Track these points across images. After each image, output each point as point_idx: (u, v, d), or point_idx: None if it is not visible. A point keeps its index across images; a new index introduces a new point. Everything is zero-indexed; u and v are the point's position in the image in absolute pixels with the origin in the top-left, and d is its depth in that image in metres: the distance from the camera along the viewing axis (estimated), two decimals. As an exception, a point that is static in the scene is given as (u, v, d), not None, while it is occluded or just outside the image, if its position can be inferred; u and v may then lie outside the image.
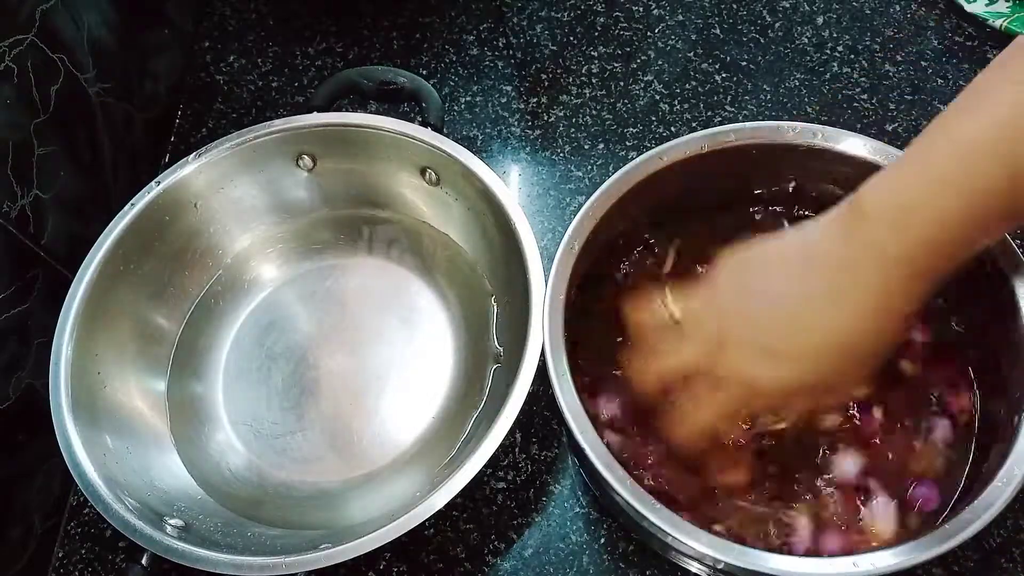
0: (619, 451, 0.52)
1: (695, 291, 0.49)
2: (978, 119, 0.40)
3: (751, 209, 0.59)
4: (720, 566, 0.45)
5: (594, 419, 0.48)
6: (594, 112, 0.75)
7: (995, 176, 0.38)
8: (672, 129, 0.73)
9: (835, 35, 0.77)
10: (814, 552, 0.48)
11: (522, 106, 0.76)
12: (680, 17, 0.80)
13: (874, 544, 0.48)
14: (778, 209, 0.59)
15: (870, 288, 0.42)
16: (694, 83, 0.76)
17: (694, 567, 0.51)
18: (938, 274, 0.42)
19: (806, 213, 0.59)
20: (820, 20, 0.79)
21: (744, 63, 0.76)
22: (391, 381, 0.63)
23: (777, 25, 0.79)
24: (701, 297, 0.48)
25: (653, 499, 0.45)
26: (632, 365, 0.52)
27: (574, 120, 0.75)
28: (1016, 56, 0.40)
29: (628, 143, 0.73)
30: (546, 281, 0.52)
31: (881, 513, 0.49)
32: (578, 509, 0.58)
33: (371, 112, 0.73)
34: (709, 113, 0.74)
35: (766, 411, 0.48)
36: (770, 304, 0.45)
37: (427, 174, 0.65)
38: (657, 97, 0.75)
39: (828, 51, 0.77)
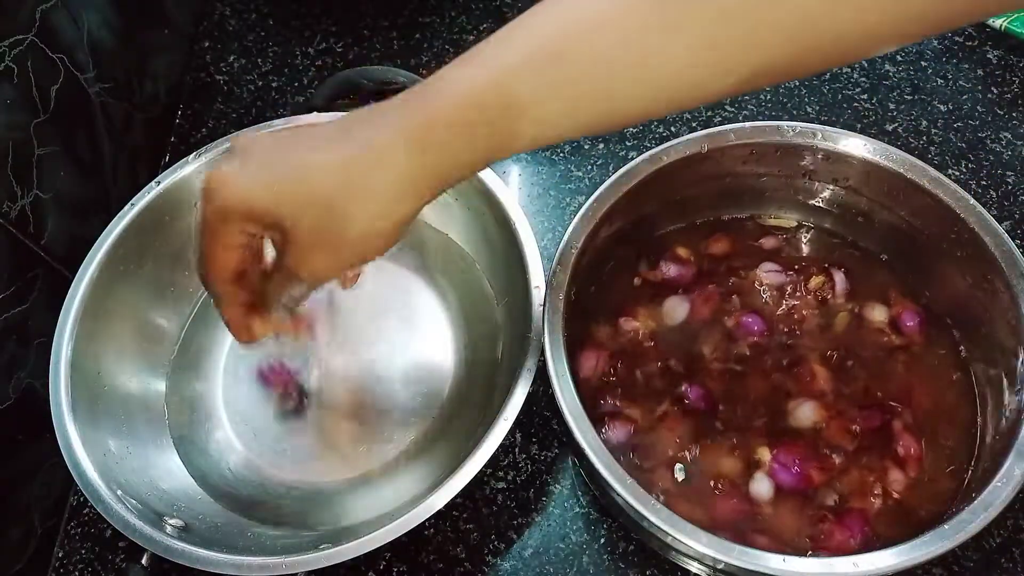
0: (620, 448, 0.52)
1: None
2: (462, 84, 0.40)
3: (751, 209, 0.60)
4: (720, 566, 0.45)
5: (593, 416, 0.48)
6: (594, 112, 0.75)
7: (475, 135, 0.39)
8: (672, 129, 0.73)
9: (835, 35, 0.77)
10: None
11: (522, 106, 0.76)
12: (680, 17, 0.80)
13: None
14: (777, 210, 0.59)
15: (400, 174, 0.40)
16: (694, 83, 0.76)
17: (694, 567, 0.51)
18: (439, 185, 0.41)
19: (804, 215, 0.59)
20: (820, 20, 0.78)
21: (744, 63, 0.76)
22: (391, 381, 0.63)
23: (777, 25, 0.79)
24: None
25: (653, 499, 0.45)
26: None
27: (574, 120, 0.75)
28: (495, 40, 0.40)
29: (628, 143, 0.73)
30: (546, 281, 0.52)
31: None
32: (578, 509, 0.58)
33: (371, 112, 0.72)
34: (709, 113, 0.74)
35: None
36: (288, 145, 0.42)
37: (427, 174, 0.64)
38: (657, 97, 0.75)
39: (828, 51, 0.76)
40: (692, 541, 0.43)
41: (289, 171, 0.40)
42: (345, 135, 0.41)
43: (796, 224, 0.60)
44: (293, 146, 0.41)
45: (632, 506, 0.44)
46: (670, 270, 0.58)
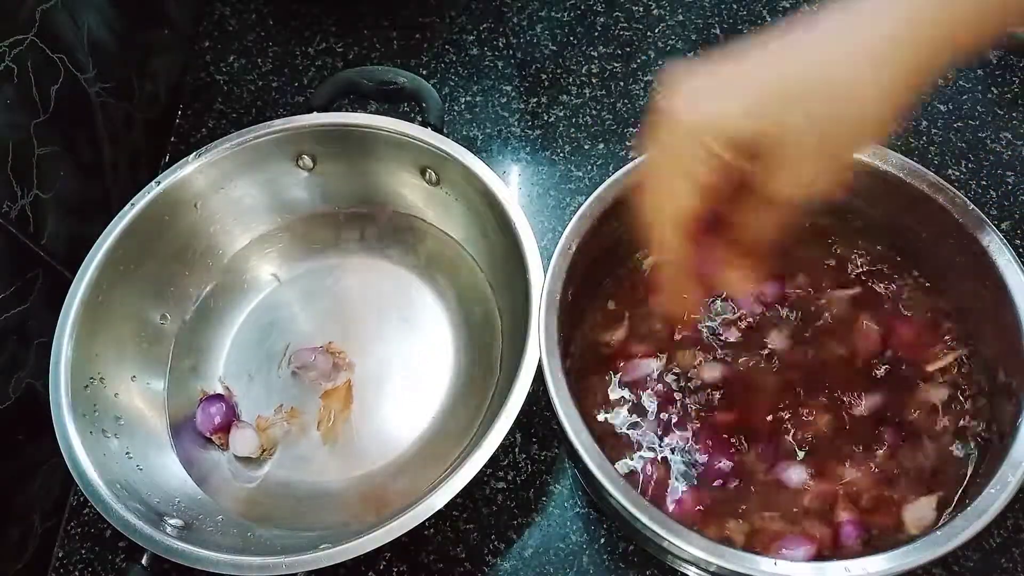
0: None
1: None
2: None
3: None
4: (712, 569, 0.45)
5: (587, 419, 0.48)
6: (594, 112, 0.75)
7: None
8: (672, 129, 0.73)
9: (835, 35, 0.77)
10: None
11: (522, 106, 0.76)
12: (680, 17, 0.80)
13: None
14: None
15: (913, 56, 0.37)
16: (694, 83, 0.76)
17: (692, 572, 0.50)
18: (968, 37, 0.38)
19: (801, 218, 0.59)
20: (820, 20, 0.78)
21: (744, 63, 0.76)
22: (391, 381, 0.63)
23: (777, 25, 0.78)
24: None
25: (646, 502, 0.45)
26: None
27: (574, 120, 0.75)
28: None
29: (628, 143, 0.73)
30: (544, 281, 0.52)
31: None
32: (578, 509, 0.58)
33: (371, 112, 0.73)
34: (709, 113, 0.74)
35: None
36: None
37: (427, 174, 0.65)
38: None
39: (828, 51, 0.76)
40: (684, 544, 0.43)
41: (771, 82, 0.37)
42: (818, 40, 0.38)
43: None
44: (756, 62, 0.38)
45: (626, 508, 0.44)
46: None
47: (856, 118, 0.38)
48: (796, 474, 0.51)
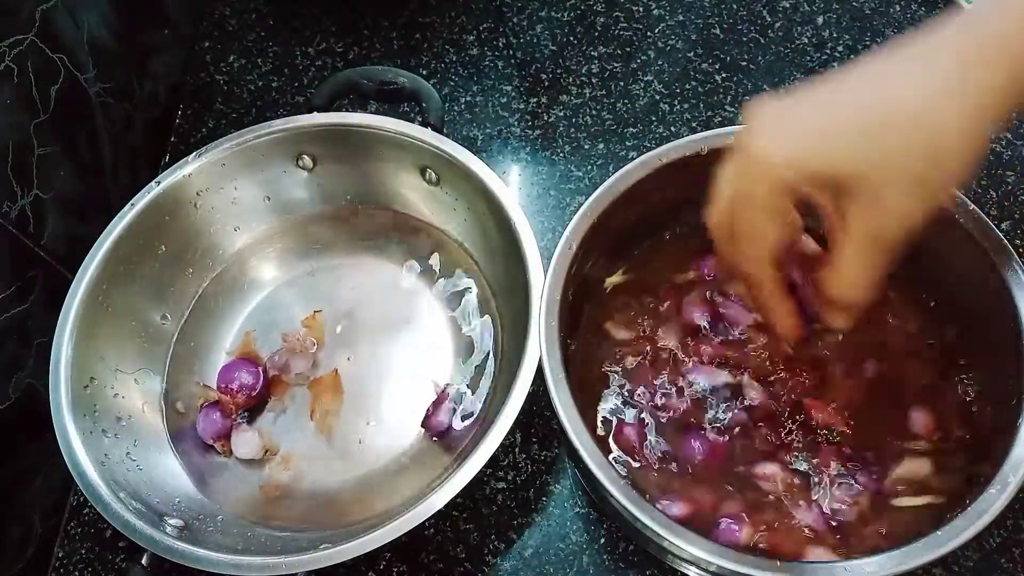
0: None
1: None
2: None
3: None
4: (712, 568, 0.45)
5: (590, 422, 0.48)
6: (594, 112, 0.75)
7: None
8: (672, 129, 0.73)
9: (835, 35, 0.77)
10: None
11: (522, 106, 0.76)
12: (680, 17, 0.80)
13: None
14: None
15: (990, 85, 0.37)
16: (694, 83, 0.76)
17: (692, 572, 0.50)
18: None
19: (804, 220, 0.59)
20: (820, 20, 0.79)
21: (744, 63, 0.76)
22: (391, 381, 0.63)
23: (777, 25, 0.79)
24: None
25: (646, 502, 0.45)
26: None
27: (574, 120, 0.75)
28: None
29: (628, 143, 0.73)
30: (545, 281, 0.52)
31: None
32: (578, 509, 0.58)
33: (371, 112, 0.73)
34: (709, 113, 0.74)
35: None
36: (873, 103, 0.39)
37: (427, 174, 0.65)
38: (657, 97, 0.75)
39: (828, 51, 0.76)
40: (684, 544, 0.43)
41: (849, 117, 0.38)
42: (889, 73, 0.38)
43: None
44: (831, 96, 0.39)
45: (626, 508, 0.44)
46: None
47: (936, 150, 0.38)
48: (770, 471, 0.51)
